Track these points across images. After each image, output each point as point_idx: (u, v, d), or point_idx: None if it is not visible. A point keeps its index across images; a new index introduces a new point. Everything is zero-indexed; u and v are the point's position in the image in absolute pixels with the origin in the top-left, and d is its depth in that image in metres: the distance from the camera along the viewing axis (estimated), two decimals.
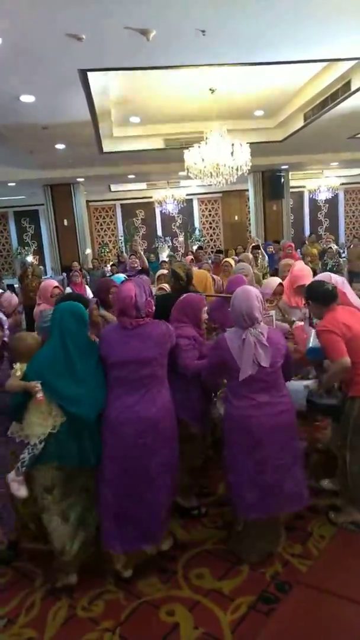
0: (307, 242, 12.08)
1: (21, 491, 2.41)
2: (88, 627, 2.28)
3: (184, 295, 3.08)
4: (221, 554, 2.71)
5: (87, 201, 13.88)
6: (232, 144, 6.51)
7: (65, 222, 11.92)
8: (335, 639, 2.11)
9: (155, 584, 2.52)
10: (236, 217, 15.93)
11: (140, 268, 6.98)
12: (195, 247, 12.43)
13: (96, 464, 2.47)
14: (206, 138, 6.52)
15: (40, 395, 2.34)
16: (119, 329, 2.51)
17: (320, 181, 14.42)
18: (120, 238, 15.70)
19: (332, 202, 16.60)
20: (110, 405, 2.44)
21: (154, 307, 2.57)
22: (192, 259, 7.90)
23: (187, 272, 3.85)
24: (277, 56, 5.10)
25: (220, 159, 6.43)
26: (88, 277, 8.65)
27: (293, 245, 7.82)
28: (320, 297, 2.83)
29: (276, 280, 4.21)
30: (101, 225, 15.94)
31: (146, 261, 7.09)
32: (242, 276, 4.02)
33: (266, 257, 7.60)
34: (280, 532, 2.71)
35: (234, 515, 2.74)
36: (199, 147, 6.52)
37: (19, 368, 2.48)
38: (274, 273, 6.14)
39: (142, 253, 7.20)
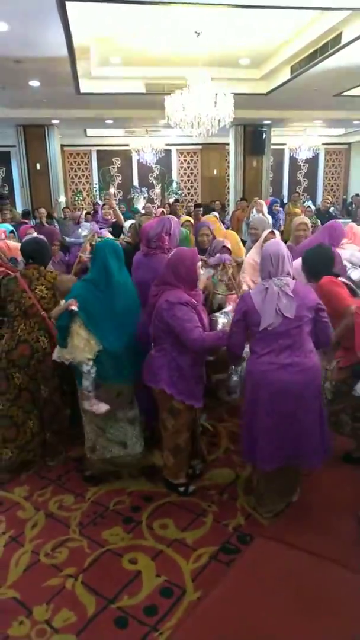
0: (290, 201, 11.94)
1: (102, 408, 2.71)
2: (51, 573, 2.33)
3: (174, 250, 2.81)
4: (186, 506, 2.78)
5: (62, 145, 13.23)
6: (216, 94, 6.22)
7: (38, 166, 11.38)
8: (293, 589, 2.22)
9: (119, 533, 2.58)
10: (215, 172, 15.55)
11: (114, 220, 6.75)
12: (171, 200, 12.12)
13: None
14: (189, 85, 6.20)
15: (74, 307, 2.61)
16: (138, 256, 3.23)
17: (301, 139, 14.13)
18: (95, 186, 15.15)
19: (312, 162, 16.36)
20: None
21: (166, 243, 3.08)
22: (162, 211, 7.67)
23: None
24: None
25: (203, 108, 6.15)
26: (57, 225, 8.30)
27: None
28: None
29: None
30: (75, 171, 15.30)
31: (122, 217, 6.85)
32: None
33: (269, 217, 7.50)
34: (295, 482, 2.76)
35: (252, 471, 2.88)
36: (181, 94, 6.20)
37: (62, 302, 2.80)
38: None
39: (117, 209, 6.98)
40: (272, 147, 13.10)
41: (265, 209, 8.10)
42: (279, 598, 2.17)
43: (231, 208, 11.99)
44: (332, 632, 2.01)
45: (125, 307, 2.76)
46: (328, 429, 2.60)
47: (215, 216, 6.65)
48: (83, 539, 2.55)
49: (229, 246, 3.75)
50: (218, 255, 3.42)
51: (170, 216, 3.57)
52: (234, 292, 3.37)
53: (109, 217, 6.83)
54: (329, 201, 9.34)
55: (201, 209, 7.70)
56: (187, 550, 2.46)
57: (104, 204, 6.76)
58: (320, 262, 2.90)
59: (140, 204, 13.46)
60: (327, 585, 2.24)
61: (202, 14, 5.57)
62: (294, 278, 2.54)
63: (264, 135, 11.86)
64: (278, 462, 2.51)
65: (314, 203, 14.57)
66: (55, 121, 10.94)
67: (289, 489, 2.73)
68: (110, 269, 2.74)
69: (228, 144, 12.83)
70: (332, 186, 17.13)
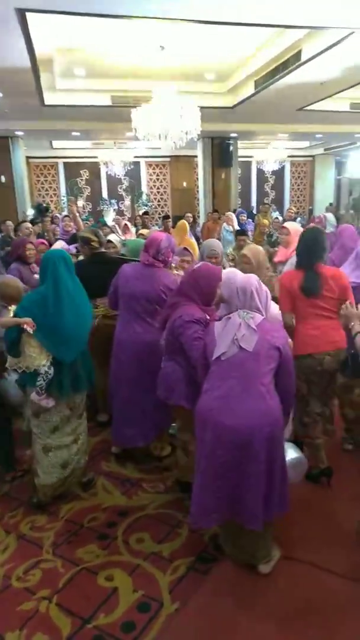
0: (260, 212, 12.15)
1: (50, 403, 2.70)
2: (23, 597, 2.25)
3: (200, 264, 2.70)
4: (161, 518, 2.75)
5: (27, 157, 13.10)
6: (182, 107, 6.31)
7: (3, 179, 11.21)
8: (270, 593, 2.22)
9: (94, 551, 2.52)
10: (184, 184, 15.69)
11: (75, 231, 6.60)
12: (142, 212, 12.15)
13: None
14: (155, 98, 6.26)
15: (29, 328, 2.57)
16: (136, 266, 3.15)
17: (267, 152, 14.45)
18: (62, 198, 15.04)
19: (279, 174, 16.75)
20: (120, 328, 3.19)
21: (170, 259, 3.22)
22: (126, 224, 7.72)
23: (96, 233, 3.79)
24: (225, 16, 4.88)
25: (170, 120, 6.22)
26: None
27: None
28: None
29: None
30: (42, 184, 15.16)
31: (82, 225, 6.75)
32: None
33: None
34: (260, 548, 2.34)
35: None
36: (147, 107, 6.26)
37: (11, 309, 2.86)
38: None
39: (77, 215, 6.82)
40: (240, 159, 13.33)
41: (235, 222, 8.25)
42: (257, 605, 2.16)
43: (202, 220, 12.10)
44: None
45: (77, 319, 2.71)
46: (281, 486, 2.24)
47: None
48: (57, 559, 2.47)
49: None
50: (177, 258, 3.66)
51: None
52: None
53: (70, 228, 6.65)
54: (292, 211, 9.55)
55: (170, 219, 7.77)
56: (164, 563, 2.42)
57: (65, 216, 6.61)
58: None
59: (110, 217, 13.44)
60: (307, 589, 2.24)
61: (166, 29, 5.64)
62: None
63: (231, 148, 12.06)
64: (213, 519, 2.26)
65: (281, 214, 14.87)
66: (19, 133, 10.83)
67: (251, 552, 2.35)
68: (61, 280, 2.66)
69: (196, 157, 12.99)
70: (298, 197, 17.54)
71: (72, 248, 4.91)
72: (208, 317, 2.58)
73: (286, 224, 4.02)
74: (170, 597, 2.21)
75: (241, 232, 6.15)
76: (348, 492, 2.92)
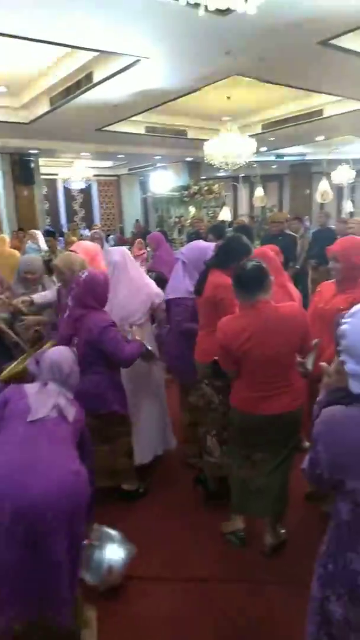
0: (69, 230, 12.05)
1: None
2: None
3: (84, 274, 2.72)
4: None
5: None
6: None
7: None
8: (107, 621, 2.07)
9: None
10: None
11: None
12: None
13: None
14: None
15: None
16: None
17: (72, 170, 14.40)
18: None
19: (87, 192, 16.87)
20: None
21: None
22: None
23: None
24: (7, 27, 4.70)
25: None
26: None
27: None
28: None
29: None
30: None
31: None
32: None
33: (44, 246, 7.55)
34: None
35: None
36: None
37: None
38: None
39: None
40: (44, 176, 12.99)
41: (40, 239, 7.94)
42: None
43: (7, 237, 11.37)
44: None
45: None
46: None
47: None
48: None
49: None
50: None
51: None
52: None
53: None
54: (97, 228, 9.72)
55: None
56: None
57: None
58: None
59: None
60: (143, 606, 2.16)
61: None
62: None
63: (32, 165, 11.68)
64: (14, 615, 1.71)
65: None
66: None
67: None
68: None
69: None
70: (108, 215, 17.92)
71: None
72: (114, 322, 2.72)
73: (75, 245, 3.92)
74: None
75: (48, 233, 6.16)
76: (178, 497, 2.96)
